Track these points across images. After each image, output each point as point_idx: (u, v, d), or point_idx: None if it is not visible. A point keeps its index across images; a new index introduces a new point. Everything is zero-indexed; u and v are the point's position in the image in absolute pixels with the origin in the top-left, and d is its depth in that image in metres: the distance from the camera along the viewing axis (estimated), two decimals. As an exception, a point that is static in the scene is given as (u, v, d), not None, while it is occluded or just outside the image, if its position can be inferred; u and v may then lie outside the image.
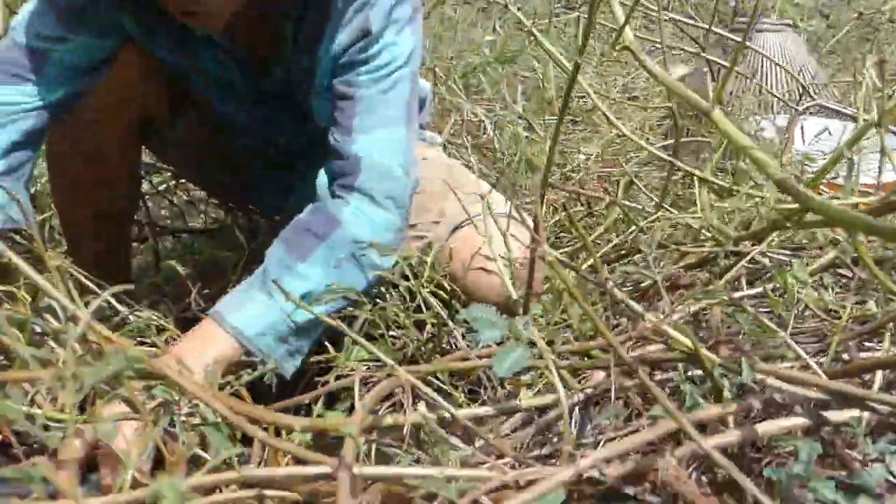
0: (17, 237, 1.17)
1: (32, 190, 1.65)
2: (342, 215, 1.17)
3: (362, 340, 0.87)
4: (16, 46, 1.19)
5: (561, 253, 1.64)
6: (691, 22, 2.10)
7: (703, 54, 1.44)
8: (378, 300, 1.20)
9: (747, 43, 1.80)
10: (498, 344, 0.76)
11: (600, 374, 0.82)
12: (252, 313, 1.08)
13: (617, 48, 0.76)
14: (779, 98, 1.56)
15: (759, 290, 1.15)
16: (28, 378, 0.63)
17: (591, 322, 0.72)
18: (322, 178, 1.25)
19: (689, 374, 0.82)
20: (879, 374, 0.77)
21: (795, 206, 1.23)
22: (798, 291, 0.92)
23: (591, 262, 1.53)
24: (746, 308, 0.85)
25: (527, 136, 2.26)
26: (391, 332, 1.19)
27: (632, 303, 0.73)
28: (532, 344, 0.72)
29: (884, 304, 0.90)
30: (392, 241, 1.19)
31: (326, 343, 1.11)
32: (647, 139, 2.42)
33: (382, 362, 0.80)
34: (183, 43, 1.29)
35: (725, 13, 3.40)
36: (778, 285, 1.08)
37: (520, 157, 2.15)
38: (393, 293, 1.19)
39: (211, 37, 1.25)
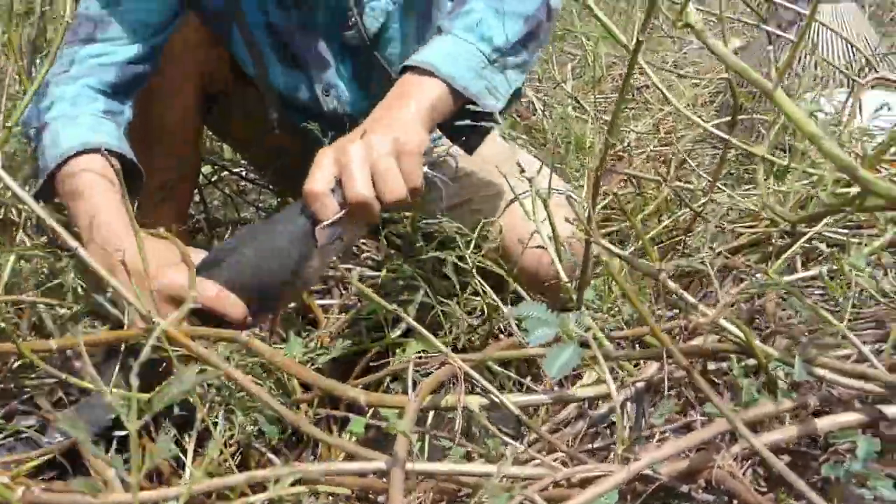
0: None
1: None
2: None
3: (417, 326, 0.87)
4: (82, 17, 1.28)
5: (611, 234, 1.62)
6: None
7: (763, 26, 1.40)
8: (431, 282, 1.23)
9: (804, 11, 1.75)
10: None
11: (654, 365, 0.81)
12: (441, 52, 1.12)
13: (679, 25, 0.74)
14: (840, 70, 1.51)
15: (816, 271, 1.13)
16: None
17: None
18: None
19: (745, 364, 0.81)
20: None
21: (854, 188, 1.21)
22: (857, 275, 0.89)
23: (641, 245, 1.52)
24: (800, 296, 0.83)
25: (576, 116, 2.24)
26: (445, 313, 1.21)
27: (685, 294, 0.72)
28: (584, 344, 0.72)
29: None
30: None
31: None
32: (700, 116, 2.38)
33: (436, 349, 0.81)
34: None
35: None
36: (836, 267, 1.06)
37: (569, 139, 2.13)
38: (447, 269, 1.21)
39: None
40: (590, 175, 0.83)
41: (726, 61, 0.67)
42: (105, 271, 0.87)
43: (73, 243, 0.84)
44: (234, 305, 1.05)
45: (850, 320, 1.02)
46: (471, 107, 1.11)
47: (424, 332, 0.82)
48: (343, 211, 1.01)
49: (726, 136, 1.01)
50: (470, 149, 1.26)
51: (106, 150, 1.13)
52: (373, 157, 1.00)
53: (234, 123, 1.64)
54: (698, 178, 1.52)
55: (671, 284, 0.72)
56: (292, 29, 1.37)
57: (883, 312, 0.98)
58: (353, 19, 1.35)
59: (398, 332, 1.24)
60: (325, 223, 1.00)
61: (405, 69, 1.12)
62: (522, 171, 1.08)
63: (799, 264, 1.25)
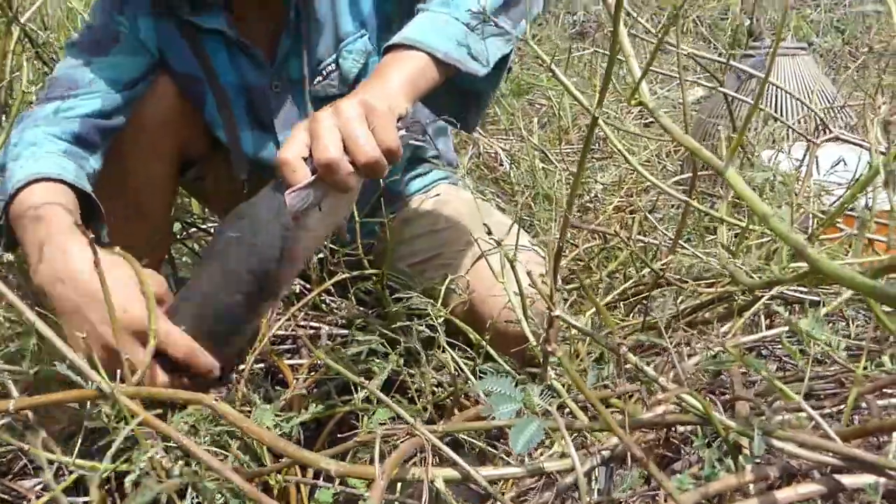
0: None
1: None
2: None
3: (383, 397, 0.87)
4: (53, 79, 1.31)
5: (575, 289, 1.64)
6: (706, 55, 2.08)
7: (720, 89, 1.44)
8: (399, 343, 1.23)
9: (759, 74, 1.80)
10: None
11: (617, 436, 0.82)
12: (419, 27, 1.12)
13: (633, 103, 0.77)
14: (796, 131, 1.56)
15: (778, 331, 1.15)
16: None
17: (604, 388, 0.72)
18: None
19: (707, 432, 0.82)
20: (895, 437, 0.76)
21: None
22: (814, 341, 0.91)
23: (611, 296, 1.55)
24: (758, 366, 0.85)
25: (543, 167, 2.28)
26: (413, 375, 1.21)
27: (646, 368, 0.74)
28: (548, 413, 0.73)
29: (900, 357, 0.90)
30: None
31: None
32: (664, 167, 2.43)
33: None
34: (196, 49, 1.36)
35: (741, 32, 3.40)
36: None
37: (536, 191, 2.16)
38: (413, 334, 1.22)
39: (219, 33, 1.34)
40: (551, 245, 0.84)
41: (678, 140, 0.69)
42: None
43: (30, 315, 0.83)
44: (203, 356, 1.04)
45: (811, 378, 1.05)
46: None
47: (390, 403, 0.82)
48: (314, 177, 0.98)
49: (685, 199, 1.03)
50: (469, 127, 1.26)
51: (63, 182, 1.13)
52: (341, 121, 0.99)
53: (207, 184, 1.65)
54: (662, 235, 1.55)
55: (632, 358, 0.73)
56: (265, 88, 1.39)
57: (842, 374, 1.00)
58: (326, 69, 1.38)
59: (366, 393, 1.25)
60: (294, 188, 0.98)
61: (386, 50, 1.12)
62: (489, 232, 1.10)
63: (763, 319, 1.28)
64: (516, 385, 0.78)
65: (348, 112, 0.99)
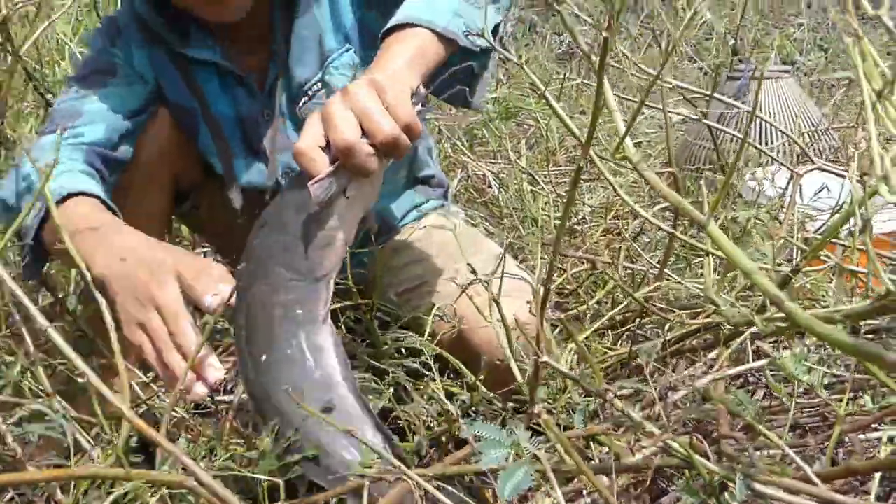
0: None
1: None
2: None
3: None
4: (56, 112, 1.33)
5: (560, 321, 1.64)
6: (690, 87, 2.12)
7: (705, 121, 1.46)
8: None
9: (742, 105, 1.82)
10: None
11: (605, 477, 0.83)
12: (414, 6, 1.11)
13: (617, 157, 0.78)
14: (779, 162, 1.58)
15: (763, 362, 1.17)
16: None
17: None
18: None
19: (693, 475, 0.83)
20: (877, 477, 0.78)
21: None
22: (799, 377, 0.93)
23: (597, 326, 1.56)
24: (745, 404, 0.86)
25: (531, 190, 2.30)
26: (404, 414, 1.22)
27: (632, 413, 0.75)
28: (537, 458, 0.74)
29: (880, 397, 0.92)
30: None
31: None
32: (651, 189, 2.44)
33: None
34: (189, 80, 1.38)
35: (726, 53, 3.44)
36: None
37: (525, 214, 2.18)
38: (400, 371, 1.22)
39: (211, 64, 1.36)
40: (538, 290, 0.86)
41: (660, 193, 0.71)
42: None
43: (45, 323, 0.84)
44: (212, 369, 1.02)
45: (797, 410, 1.06)
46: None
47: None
48: (335, 164, 0.95)
49: (669, 230, 1.05)
50: (469, 103, 1.24)
51: (95, 196, 1.15)
52: (354, 102, 0.96)
53: (202, 213, 1.66)
54: (649, 262, 1.56)
55: (618, 403, 0.75)
56: (257, 116, 1.41)
57: (825, 409, 1.02)
58: (312, 89, 1.39)
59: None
60: (316, 178, 0.94)
61: (385, 35, 1.11)
62: (473, 271, 1.10)
63: (750, 346, 1.29)
64: (504, 425, 0.79)
65: (359, 93, 0.96)
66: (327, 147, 0.96)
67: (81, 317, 1.54)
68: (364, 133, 0.95)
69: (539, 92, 0.95)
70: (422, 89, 1.02)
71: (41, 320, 0.88)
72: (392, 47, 1.07)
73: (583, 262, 1.91)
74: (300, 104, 1.40)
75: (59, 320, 1.75)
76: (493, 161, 2.59)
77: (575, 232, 2.21)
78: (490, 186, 2.44)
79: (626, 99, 2.19)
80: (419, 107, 1.00)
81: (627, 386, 0.84)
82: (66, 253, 0.99)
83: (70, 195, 1.13)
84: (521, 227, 2.14)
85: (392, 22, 1.11)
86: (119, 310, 1.01)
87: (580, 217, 2.25)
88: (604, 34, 0.66)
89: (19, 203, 1.20)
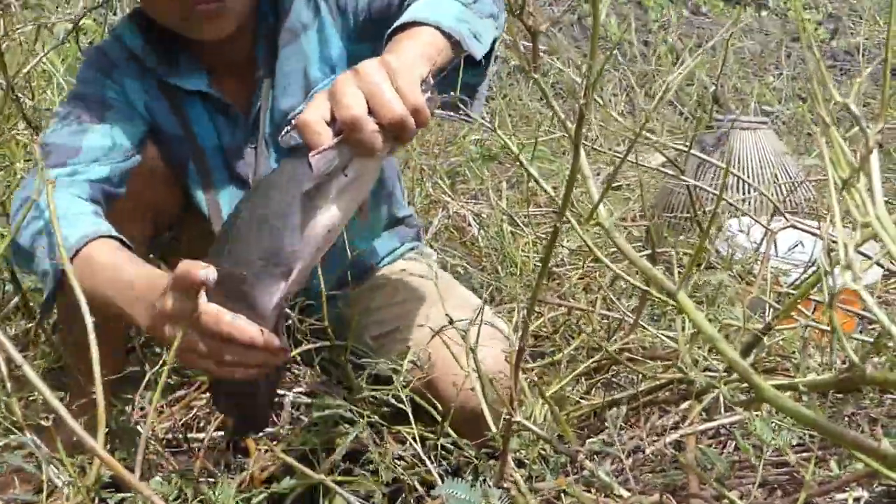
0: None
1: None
2: None
3: (343, 494, 0.89)
4: (51, 146, 1.30)
5: (539, 365, 1.66)
6: (671, 144, 2.15)
7: (683, 177, 1.48)
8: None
9: (718, 164, 1.85)
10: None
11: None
12: (420, 8, 1.11)
13: (592, 224, 0.80)
14: (754, 219, 1.60)
15: (734, 419, 1.18)
16: None
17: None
18: None
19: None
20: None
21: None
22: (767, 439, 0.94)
23: (573, 374, 1.57)
24: (716, 459, 0.87)
25: (511, 231, 2.31)
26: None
27: (602, 475, 0.76)
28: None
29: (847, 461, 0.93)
30: None
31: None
32: (629, 233, 2.47)
33: None
34: (176, 109, 1.38)
35: (706, 98, 3.49)
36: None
37: (504, 255, 2.19)
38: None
39: (199, 94, 1.37)
40: (511, 357, 0.86)
41: (634, 263, 0.72)
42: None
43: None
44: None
45: (766, 463, 1.07)
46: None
47: (346, 496, 0.84)
48: (338, 138, 0.94)
49: (643, 287, 1.06)
50: (468, 114, 1.25)
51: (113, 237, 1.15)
52: (363, 80, 0.94)
53: (182, 245, 1.65)
54: (624, 311, 1.58)
55: (588, 464, 0.75)
56: (241, 146, 1.42)
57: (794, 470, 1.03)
58: (295, 119, 1.38)
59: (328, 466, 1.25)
60: (318, 150, 0.93)
61: (391, 35, 1.10)
62: (451, 321, 1.11)
63: (722, 402, 1.30)
64: (477, 474, 0.80)
65: (370, 72, 0.95)
66: (332, 123, 0.94)
67: (58, 344, 1.54)
68: (371, 112, 0.93)
69: (513, 155, 0.97)
70: (431, 80, 1.00)
71: (15, 355, 0.88)
72: (402, 41, 1.07)
73: (559, 307, 1.92)
74: (283, 133, 1.41)
75: (34, 348, 1.74)
76: (473, 200, 2.61)
77: (553, 275, 2.23)
78: (470, 226, 2.45)
79: (600, 151, 2.21)
80: (428, 94, 0.97)
81: (598, 448, 0.85)
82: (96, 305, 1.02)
83: (91, 240, 1.14)
84: (500, 269, 2.15)
85: (398, 22, 1.10)
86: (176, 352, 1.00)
87: (559, 259, 2.26)
88: (579, 104, 0.67)
89: (33, 245, 1.19)
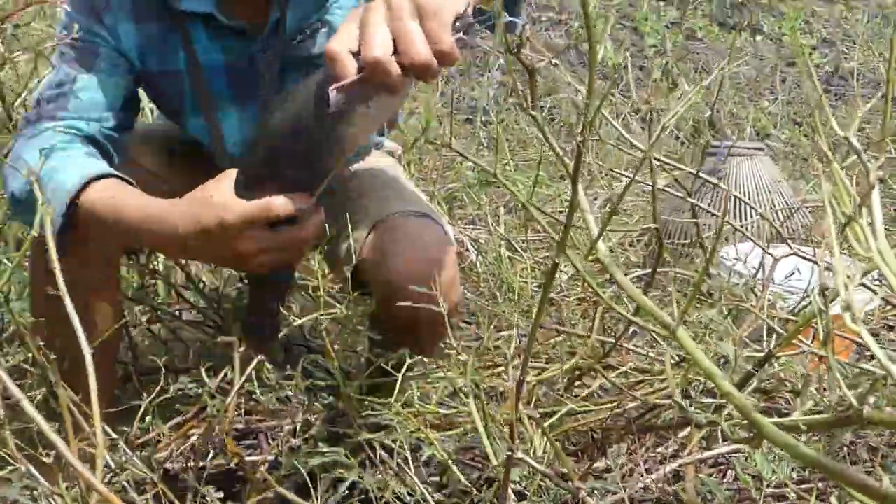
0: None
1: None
2: None
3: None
4: (42, 99, 1.31)
5: (536, 379, 1.64)
6: (668, 189, 2.16)
7: (689, 198, 1.49)
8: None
9: (720, 184, 1.86)
10: None
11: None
12: None
13: (589, 259, 0.80)
14: (753, 242, 1.61)
15: (733, 447, 1.18)
16: None
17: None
18: None
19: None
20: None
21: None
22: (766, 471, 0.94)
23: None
24: (716, 489, 0.87)
25: (509, 257, 2.31)
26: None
27: (600, 509, 0.75)
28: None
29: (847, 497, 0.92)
30: None
31: None
32: (627, 257, 2.48)
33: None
34: (182, 35, 1.34)
35: (703, 123, 3.50)
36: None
37: (502, 280, 2.19)
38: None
39: (200, 16, 1.31)
40: (510, 392, 0.86)
41: (633, 297, 0.72)
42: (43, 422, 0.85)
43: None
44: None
45: (769, 497, 1.07)
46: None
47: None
48: (361, 74, 0.94)
49: (638, 322, 1.06)
50: (513, 24, 1.20)
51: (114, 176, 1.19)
52: (393, 16, 0.93)
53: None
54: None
55: (589, 501, 0.75)
56: (246, 64, 1.37)
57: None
58: (311, 27, 1.35)
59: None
60: (336, 85, 0.94)
61: None
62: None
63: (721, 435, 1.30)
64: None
65: (402, 10, 0.93)
66: (359, 53, 0.95)
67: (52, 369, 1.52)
68: (396, 51, 0.93)
69: (513, 193, 0.98)
70: (469, 16, 0.98)
71: (14, 391, 0.87)
72: None
73: (558, 333, 1.92)
74: (296, 41, 1.36)
75: (30, 376, 1.73)
76: (471, 226, 2.61)
77: (552, 300, 2.22)
78: (468, 251, 2.45)
79: (597, 177, 2.22)
80: (460, 34, 0.96)
81: (598, 487, 0.85)
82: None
83: (90, 181, 1.17)
84: (497, 295, 2.14)
85: None
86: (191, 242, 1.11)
87: (557, 284, 2.26)
88: (577, 140, 0.68)
89: (29, 196, 1.18)
